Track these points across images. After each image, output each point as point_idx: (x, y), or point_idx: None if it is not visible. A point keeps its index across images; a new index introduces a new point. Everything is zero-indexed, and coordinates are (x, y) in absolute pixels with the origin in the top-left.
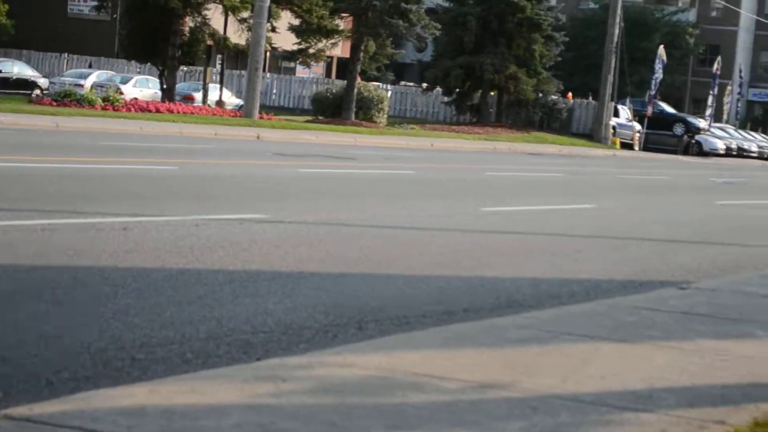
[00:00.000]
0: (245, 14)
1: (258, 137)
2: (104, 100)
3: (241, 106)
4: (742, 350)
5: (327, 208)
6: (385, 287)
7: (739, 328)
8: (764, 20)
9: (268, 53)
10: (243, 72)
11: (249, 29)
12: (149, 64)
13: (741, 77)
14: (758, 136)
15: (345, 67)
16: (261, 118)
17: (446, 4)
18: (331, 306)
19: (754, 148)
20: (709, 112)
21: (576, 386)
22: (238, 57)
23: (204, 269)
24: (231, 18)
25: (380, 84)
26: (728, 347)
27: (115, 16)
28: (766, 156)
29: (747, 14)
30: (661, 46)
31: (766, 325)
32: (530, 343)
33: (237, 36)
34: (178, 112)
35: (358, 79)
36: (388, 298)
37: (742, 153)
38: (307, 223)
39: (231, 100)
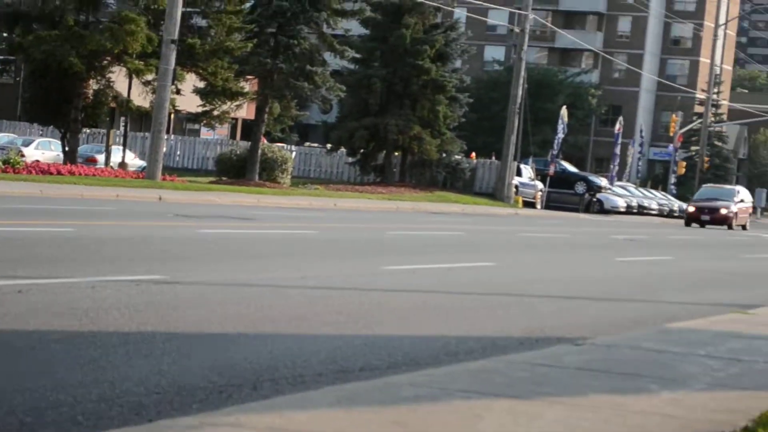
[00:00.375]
0: (149, 77)
1: (160, 199)
2: (5, 162)
3: (144, 168)
4: (636, 405)
5: (226, 268)
6: (283, 347)
7: (634, 383)
8: (665, 81)
9: (172, 115)
10: (147, 134)
11: (153, 92)
12: (52, 126)
13: (642, 137)
14: (658, 194)
15: (250, 129)
16: (164, 179)
17: (352, 67)
18: (227, 366)
19: (654, 206)
20: (614, 171)
21: None
22: (142, 119)
23: (98, 331)
24: (135, 80)
25: (285, 145)
26: (622, 402)
27: (18, 79)
28: (666, 213)
29: (648, 75)
30: (564, 108)
31: (661, 380)
32: (423, 401)
33: (141, 98)
34: (80, 174)
35: (263, 140)
36: (285, 357)
37: (642, 210)
38: (206, 284)
39: (134, 161)
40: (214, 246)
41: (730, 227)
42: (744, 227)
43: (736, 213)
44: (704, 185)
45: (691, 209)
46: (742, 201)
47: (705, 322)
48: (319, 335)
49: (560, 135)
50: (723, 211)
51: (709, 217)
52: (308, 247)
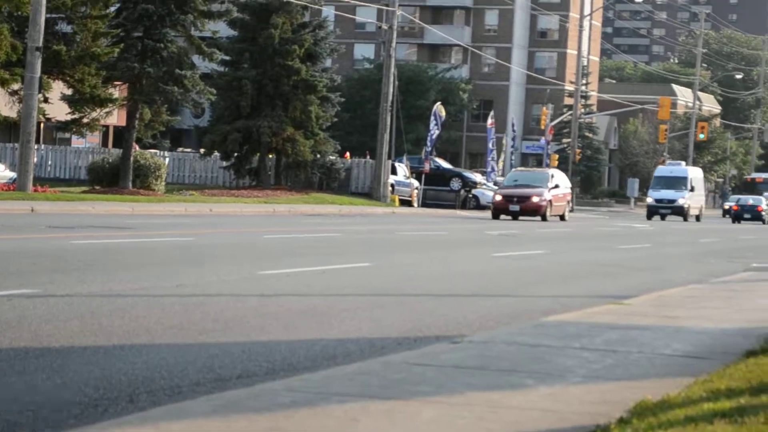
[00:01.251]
0: (16, 86)
1: (32, 210)
2: None
3: (15, 180)
4: (512, 401)
5: (100, 279)
6: (159, 357)
7: (509, 379)
8: (534, 74)
9: (41, 124)
10: (16, 144)
11: (20, 101)
12: None
13: (514, 130)
14: None
15: (121, 136)
16: (35, 190)
17: (221, 69)
18: (103, 379)
19: None
20: (491, 165)
21: None
22: (10, 129)
23: None
24: (1, 90)
25: (157, 151)
26: (498, 399)
27: None
28: None
29: (518, 69)
30: (438, 103)
31: (537, 374)
32: (299, 406)
33: (8, 108)
34: None
35: (135, 147)
36: (162, 368)
37: None
38: (80, 295)
39: (4, 173)
40: (88, 257)
41: (543, 218)
42: (562, 217)
43: (550, 201)
44: (514, 169)
45: (498, 198)
46: (557, 186)
47: (581, 314)
48: (196, 344)
49: (434, 132)
50: (535, 199)
51: (518, 206)
52: (184, 254)
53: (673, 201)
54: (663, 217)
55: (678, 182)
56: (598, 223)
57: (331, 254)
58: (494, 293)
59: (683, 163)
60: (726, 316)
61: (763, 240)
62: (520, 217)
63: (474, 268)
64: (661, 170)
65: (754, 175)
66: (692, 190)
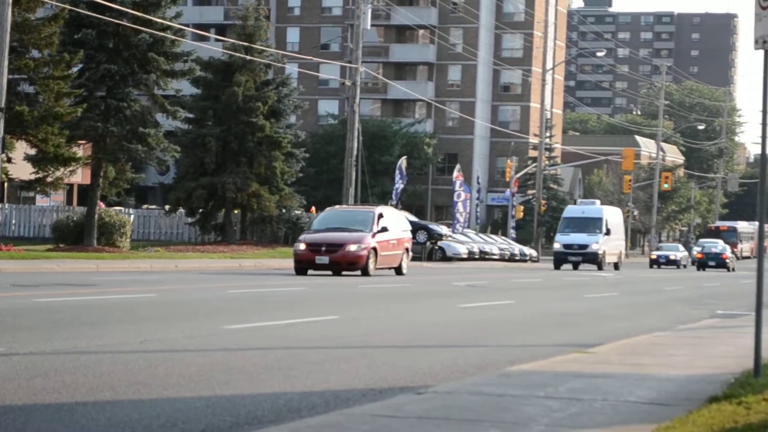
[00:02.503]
0: None
1: None
2: None
3: None
4: None
5: (65, 336)
6: (122, 414)
7: (473, 429)
8: (498, 128)
9: (5, 184)
10: None
11: None
12: None
13: (479, 183)
14: (498, 239)
15: (86, 194)
16: (0, 249)
17: (185, 127)
18: None
19: (496, 251)
20: (458, 218)
21: None
22: None
23: None
24: None
25: (122, 208)
26: None
27: None
28: (507, 257)
29: (481, 123)
30: (403, 158)
31: (501, 424)
32: None
33: None
34: None
35: (100, 205)
36: (125, 424)
37: (484, 256)
38: (44, 353)
39: None
40: (53, 314)
41: (365, 273)
42: (399, 271)
43: (373, 250)
44: (329, 208)
45: (301, 248)
46: (384, 230)
47: (546, 363)
48: (160, 399)
49: (399, 185)
50: (352, 249)
51: (327, 258)
52: (149, 310)
53: (584, 246)
54: (575, 265)
55: (591, 224)
56: (565, 272)
57: (297, 308)
58: (460, 344)
59: (598, 201)
60: (691, 363)
61: (728, 287)
62: (328, 272)
63: (440, 319)
64: (570, 210)
65: (719, 223)
66: (608, 233)
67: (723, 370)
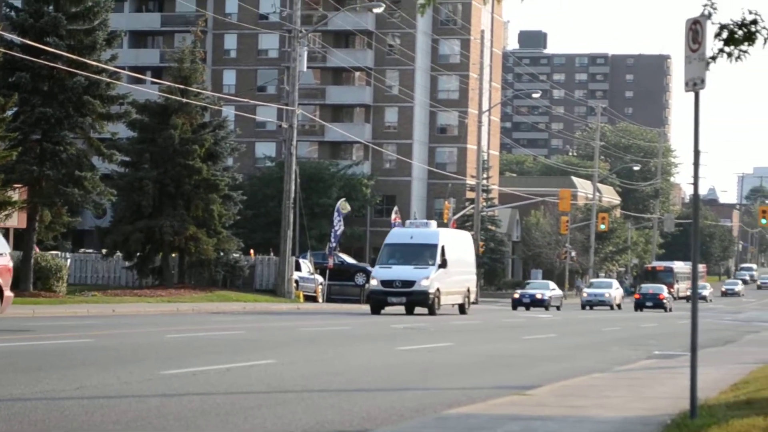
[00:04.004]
0: None
1: None
2: None
3: None
4: None
5: None
6: None
7: None
8: (435, 169)
9: None
10: None
11: None
12: None
13: None
14: None
15: (21, 238)
16: None
17: (122, 170)
18: None
19: None
20: None
21: None
22: None
23: None
24: None
25: (59, 252)
26: None
27: None
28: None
29: (419, 165)
30: (342, 200)
31: None
32: None
33: None
34: None
35: (36, 249)
36: None
37: None
38: None
39: None
40: None
41: None
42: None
43: None
44: None
45: None
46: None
47: (484, 406)
48: None
49: (338, 227)
50: None
51: None
52: (86, 355)
53: (409, 283)
54: (408, 308)
55: (421, 253)
56: (503, 314)
57: (235, 352)
58: (398, 387)
59: (433, 223)
60: (628, 405)
61: (665, 327)
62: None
63: (379, 361)
64: (395, 235)
65: (655, 263)
66: (443, 265)
67: (659, 411)
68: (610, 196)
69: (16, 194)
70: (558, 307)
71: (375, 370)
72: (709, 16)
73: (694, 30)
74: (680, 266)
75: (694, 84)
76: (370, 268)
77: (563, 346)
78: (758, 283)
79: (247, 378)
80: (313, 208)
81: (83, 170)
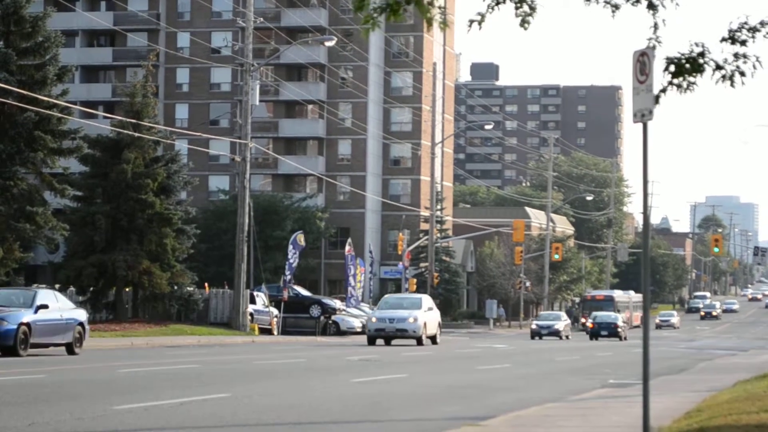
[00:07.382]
0: None
1: None
2: None
3: None
4: None
5: None
6: None
7: None
8: (389, 201)
9: None
10: None
11: None
12: None
13: (372, 256)
14: None
15: None
16: None
17: (74, 205)
18: None
19: None
20: (352, 292)
21: None
22: None
23: None
24: None
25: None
26: None
27: None
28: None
29: (373, 197)
30: (299, 232)
31: None
32: None
33: None
34: None
35: None
36: None
37: None
38: None
39: None
40: None
41: None
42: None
43: None
44: None
45: None
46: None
47: None
48: None
49: (293, 260)
50: None
51: None
52: (37, 392)
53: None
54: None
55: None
56: (458, 344)
57: (189, 386)
58: (353, 419)
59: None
60: None
61: (620, 356)
62: None
63: (332, 393)
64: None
65: (594, 292)
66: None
67: None
68: (563, 226)
69: None
70: (568, 336)
71: (329, 402)
72: (654, 48)
73: (642, 62)
74: (620, 295)
75: (642, 115)
76: (325, 300)
77: (518, 376)
78: (702, 312)
79: (201, 412)
80: (267, 240)
81: (35, 205)
